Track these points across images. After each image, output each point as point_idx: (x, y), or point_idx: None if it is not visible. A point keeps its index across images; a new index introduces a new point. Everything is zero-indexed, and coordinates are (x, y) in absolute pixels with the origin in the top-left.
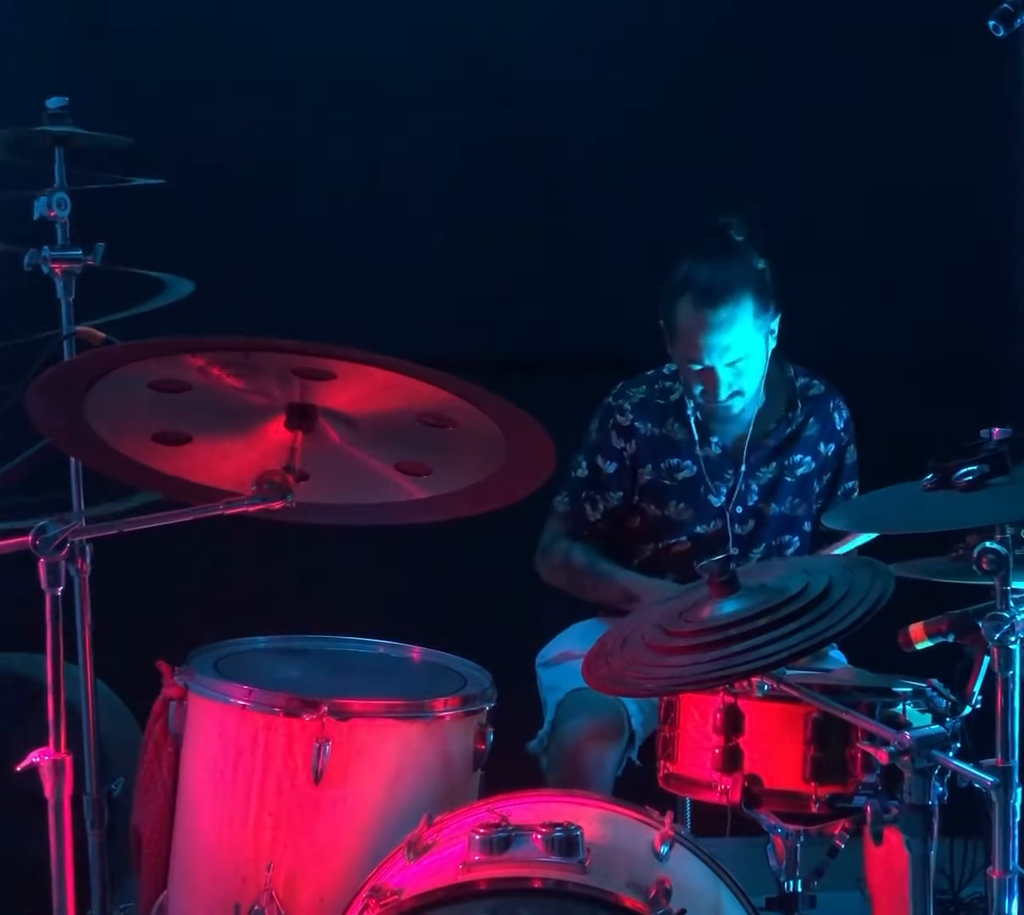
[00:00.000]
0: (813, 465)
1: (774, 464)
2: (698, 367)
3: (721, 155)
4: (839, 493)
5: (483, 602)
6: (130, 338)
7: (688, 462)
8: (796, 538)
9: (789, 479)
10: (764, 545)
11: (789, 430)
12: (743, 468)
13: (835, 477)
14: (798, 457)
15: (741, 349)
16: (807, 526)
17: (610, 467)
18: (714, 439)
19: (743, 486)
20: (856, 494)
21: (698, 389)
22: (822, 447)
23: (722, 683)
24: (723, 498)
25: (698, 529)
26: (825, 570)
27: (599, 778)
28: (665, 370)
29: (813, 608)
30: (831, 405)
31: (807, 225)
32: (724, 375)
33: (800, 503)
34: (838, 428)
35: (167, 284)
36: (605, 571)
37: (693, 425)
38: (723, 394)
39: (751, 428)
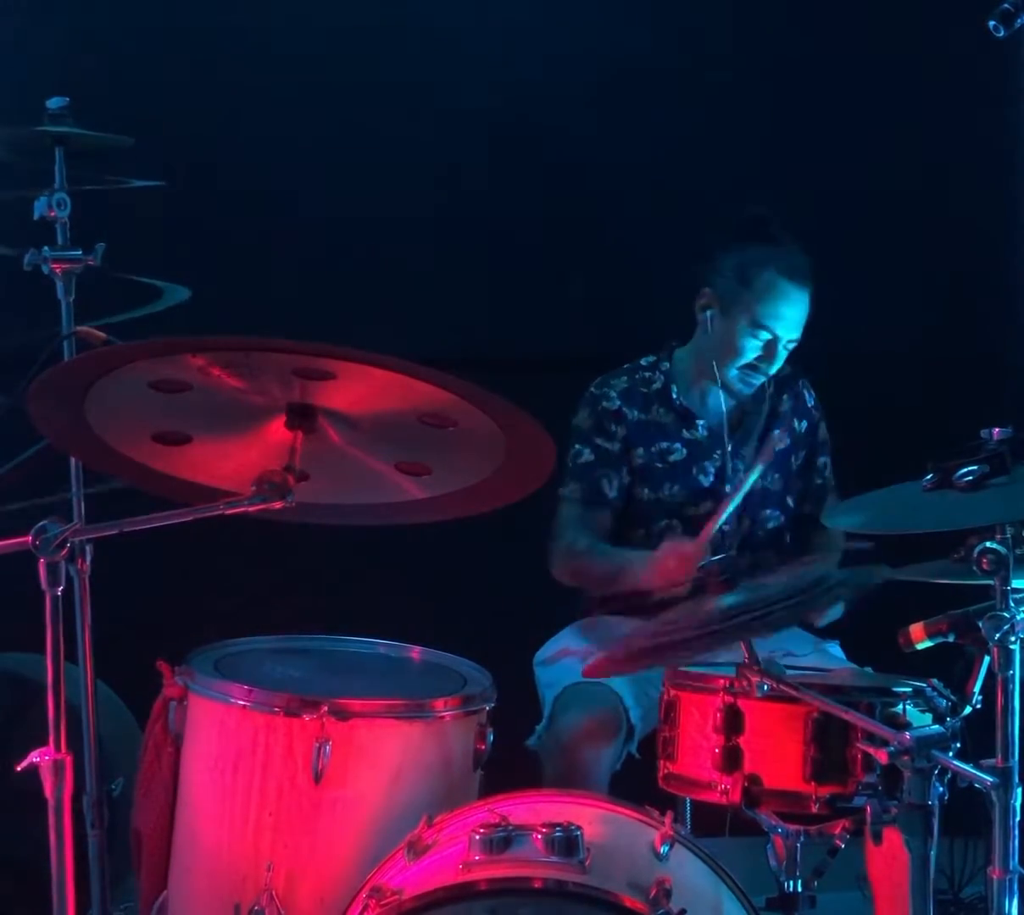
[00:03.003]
0: (788, 441)
1: (756, 441)
2: (767, 337)
3: (722, 155)
4: (815, 469)
5: (483, 602)
6: (130, 338)
7: (677, 445)
8: (777, 511)
9: None
10: (749, 520)
11: (767, 407)
12: (729, 447)
13: (812, 453)
14: (776, 433)
15: (800, 330)
16: (789, 501)
17: (614, 447)
18: (700, 421)
19: (730, 465)
20: (829, 470)
21: (748, 358)
22: (796, 424)
23: (719, 648)
24: (712, 478)
25: (688, 511)
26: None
27: (596, 772)
28: (642, 362)
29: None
30: (800, 384)
31: (807, 224)
32: (781, 352)
33: (779, 478)
34: (809, 405)
35: (164, 291)
36: (602, 550)
37: (683, 409)
38: (773, 369)
39: (733, 408)
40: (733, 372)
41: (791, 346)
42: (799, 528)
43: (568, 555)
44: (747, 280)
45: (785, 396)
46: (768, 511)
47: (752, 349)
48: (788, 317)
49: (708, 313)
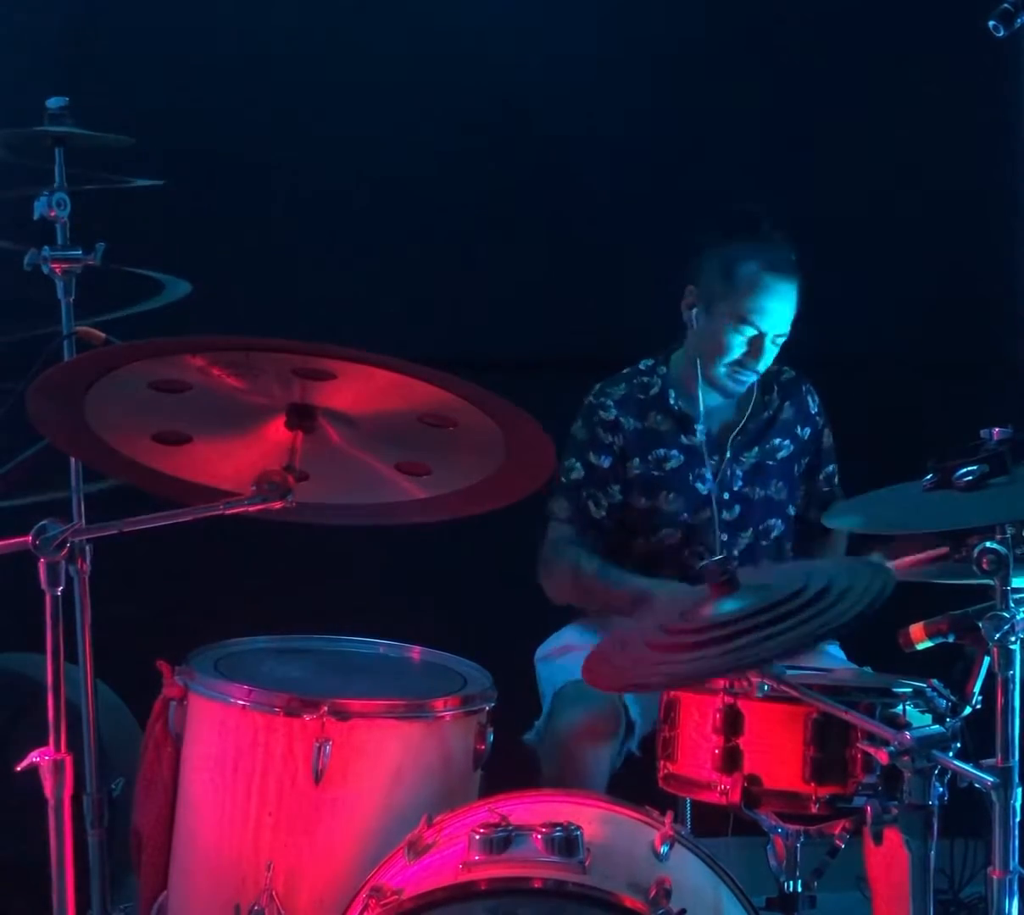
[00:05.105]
0: (792, 448)
1: (756, 449)
2: (752, 333)
3: (722, 155)
4: (821, 477)
5: (483, 602)
6: (130, 338)
7: (674, 452)
8: (780, 521)
9: (770, 463)
10: (751, 530)
11: (767, 414)
12: (727, 454)
13: (815, 461)
14: (777, 441)
15: (789, 325)
16: (791, 510)
17: (605, 462)
18: (698, 427)
19: (728, 472)
20: (836, 478)
21: (735, 354)
22: (799, 430)
23: (725, 675)
24: (710, 485)
25: (687, 518)
26: (824, 571)
27: (596, 770)
28: (641, 366)
29: (814, 604)
30: (803, 389)
31: (808, 224)
32: (768, 347)
33: (783, 487)
34: (813, 412)
35: (165, 285)
36: (615, 576)
37: (681, 414)
38: (763, 366)
39: (733, 414)
40: (721, 370)
41: (780, 341)
42: (802, 535)
43: (575, 574)
44: (730, 275)
45: (787, 403)
46: (772, 521)
47: (738, 345)
48: (773, 311)
49: (693, 311)
